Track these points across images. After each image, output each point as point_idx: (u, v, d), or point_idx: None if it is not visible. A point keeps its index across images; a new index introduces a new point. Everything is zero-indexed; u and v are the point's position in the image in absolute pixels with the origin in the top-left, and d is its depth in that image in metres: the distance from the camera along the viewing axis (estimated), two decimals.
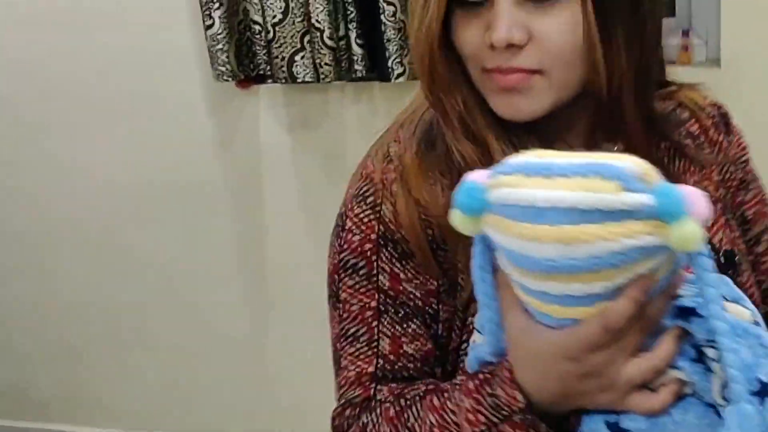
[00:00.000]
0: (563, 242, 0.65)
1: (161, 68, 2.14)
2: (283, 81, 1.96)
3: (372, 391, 0.88)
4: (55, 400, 2.57)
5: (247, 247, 2.27)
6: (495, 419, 0.76)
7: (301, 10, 1.89)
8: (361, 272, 0.89)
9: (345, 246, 0.89)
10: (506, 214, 0.68)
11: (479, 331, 0.81)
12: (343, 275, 0.91)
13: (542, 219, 0.66)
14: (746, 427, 0.67)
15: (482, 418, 0.77)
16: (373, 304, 0.88)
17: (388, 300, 0.87)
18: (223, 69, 1.96)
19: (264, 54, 1.97)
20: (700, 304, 0.70)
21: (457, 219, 0.71)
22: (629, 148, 0.81)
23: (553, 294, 0.70)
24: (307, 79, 1.93)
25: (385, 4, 1.82)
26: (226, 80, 1.98)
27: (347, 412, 0.90)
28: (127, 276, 2.37)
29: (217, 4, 1.91)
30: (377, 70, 1.92)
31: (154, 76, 2.16)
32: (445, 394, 0.81)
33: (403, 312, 0.87)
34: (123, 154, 2.25)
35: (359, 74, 1.91)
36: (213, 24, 1.92)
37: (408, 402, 0.84)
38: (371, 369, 0.89)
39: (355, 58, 1.89)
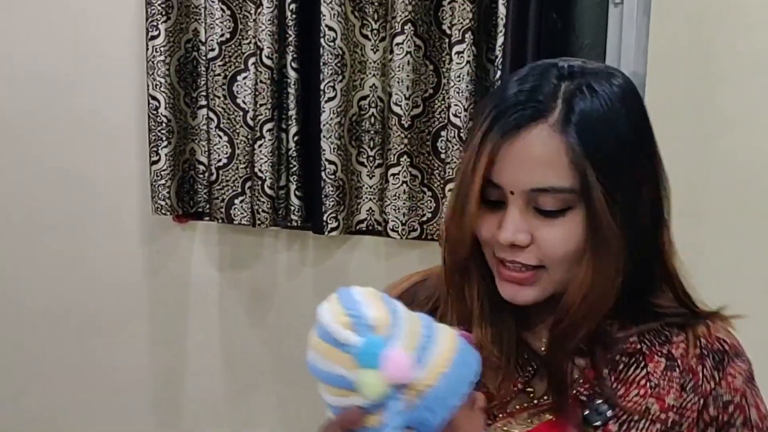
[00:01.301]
0: (315, 351, 0.85)
1: (101, 192, 2.18)
2: (221, 221, 2.01)
3: None
4: None
5: (163, 379, 2.25)
6: None
7: (246, 157, 1.96)
8: None
9: None
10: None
11: None
12: None
13: (316, 330, 0.85)
14: None
15: None
16: None
17: None
18: (163, 203, 2.00)
19: (205, 193, 2.03)
20: None
21: None
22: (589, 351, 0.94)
23: (322, 396, 0.88)
24: (243, 222, 1.99)
25: (326, 163, 1.90)
26: (164, 214, 2.02)
27: None
28: (42, 396, 2.31)
29: (165, 143, 1.97)
30: (312, 222, 1.98)
31: (92, 200, 2.19)
32: None
33: None
34: (51, 273, 2.25)
35: (294, 223, 1.98)
36: (159, 160, 1.98)
37: None
38: None
39: (293, 208, 1.96)
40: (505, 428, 0.97)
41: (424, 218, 1.95)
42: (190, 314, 2.21)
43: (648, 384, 0.95)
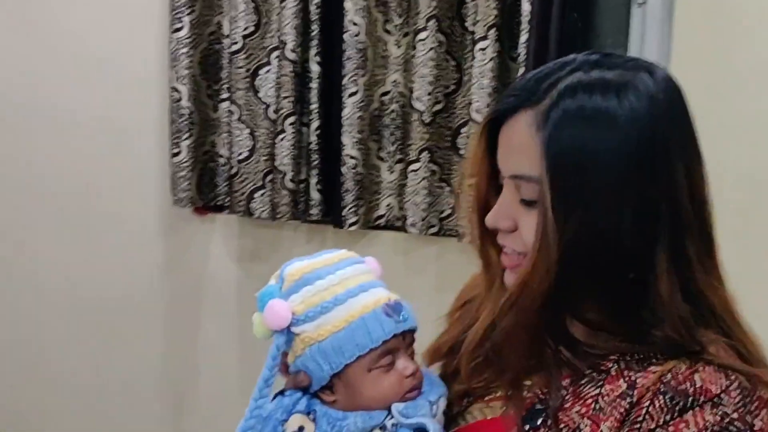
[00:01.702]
0: None
1: (122, 185, 2.19)
2: (241, 214, 2.02)
3: None
4: None
5: (178, 372, 2.26)
6: None
7: (267, 151, 1.97)
8: None
9: None
10: None
11: None
12: None
13: None
14: None
15: None
16: None
17: None
18: (183, 195, 2.01)
19: (225, 186, 2.04)
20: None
21: None
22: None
23: None
24: (263, 216, 2.00)
25: (347, 158, 1.91)
26: (184, 206, 2.03)
27: None
28: (53, 388, 2.33)
29: (186, 135, 1.98)
30: (332, 216, 1.99)
31: (113, 192, 2.20)
32: None
33: None
34: (70, 261, 2.26)
35: (314, 217, 1.99)
36: (180, 152, 1.99)
37: None
38: None
39: (312, 202, 1.97)
40: (480, 409, 0.97)
41: (444, 214, 1.96)
42: (208, 307, 2.22)
43: (594, 405, 0.88)
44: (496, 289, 0.97)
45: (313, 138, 1.94)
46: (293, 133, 1.93)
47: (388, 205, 1.99)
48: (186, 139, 1.99)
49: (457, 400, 0.98)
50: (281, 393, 0.97)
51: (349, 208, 1.93)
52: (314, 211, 1.98)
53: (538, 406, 0.91)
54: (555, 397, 0.90)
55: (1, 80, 2.20)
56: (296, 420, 0.95)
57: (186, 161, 1.99)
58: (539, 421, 0.90)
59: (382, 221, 2.00)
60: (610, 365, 0.90)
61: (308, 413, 0.95)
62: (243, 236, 2.16)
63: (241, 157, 1.99)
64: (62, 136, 2.20)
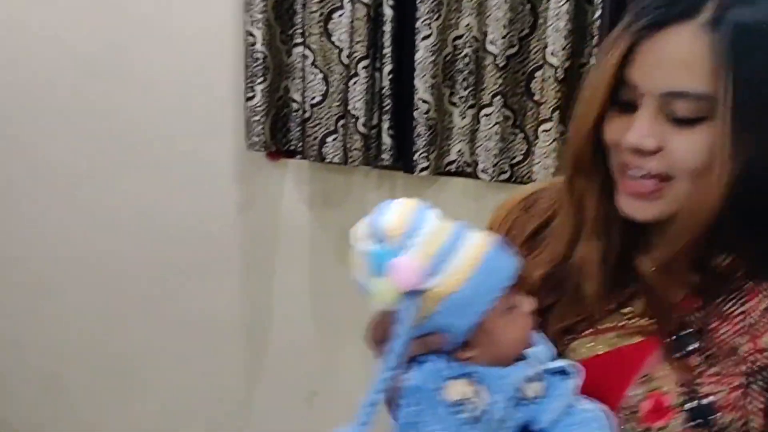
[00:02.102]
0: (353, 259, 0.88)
1: (198, 129, 2.23)
2: (313, 159, 2.04)
3: None
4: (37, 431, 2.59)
5: (252, 313, 2.31)
6: None
7: (340, 95, 1.98)
8: None
9: None
10: None
11: None
12: None
13: None
14: None
15: None
16: None
17: None
18: (257, 139, 2.04)
19: (298, 131, 2.06)
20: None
21: None
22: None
23: None
24: (335, 161, 2.01)
25: (420, 102, 1.90)
26: (258, 150, 2.06)
27: None
28: (131, 323, 2.40)
29: (260, 79, 2.00)
30: (403, 161, 2.00)
31: (190, 136, 2.24)
32: None
33: None
34: (148, 204, 2.32)
35: (385, 162, 1.99)
36: (254, 96, 2.01)
37: None
38: None
39: (384, 147, 1.98)
40: (588, 344, 0.96)
41: (515, 160, 1.94)
42: (281, 252, 2.25)
43: (742, 322, 0.91)
44: (589, 210, 0.93)
45: (386, 82, 1.94)
46: (366, 77, 1.93)
47: (459, 151, 1.98)
48: (260, 83, 2.01)
49: (558, 338, 0.96)
50: (414, 361, 0.88)
51: (420, 153, 1.93)
52: (385, 156, 1.98)
53: (683, 333, 0.91)
54: (699, 320, 0.90)
55: (83, 38, 2.25)
56: (457, 387, 0.87)
57: (260, 106, 2.01)
58: (689, 348, 0.90)
59: (452, 167, 2.00)
60: (743, 283, 0.91)
61: (461, 377, 0.87)
62: (314, 182, 2.18)
63: (314, 102, 2.01)
64: (142, 84, 2.25)
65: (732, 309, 0.91)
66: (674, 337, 0.92)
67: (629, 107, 0.87)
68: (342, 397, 2.26)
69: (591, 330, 0.96)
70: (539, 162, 1.86)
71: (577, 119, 0.92)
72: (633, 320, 0.95)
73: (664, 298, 0.93)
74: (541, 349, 0.92)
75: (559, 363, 0.91)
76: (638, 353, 0.93)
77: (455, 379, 0.86)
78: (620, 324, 0.95)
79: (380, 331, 0.89)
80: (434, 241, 0.85)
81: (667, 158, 0.86)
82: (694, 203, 0.87)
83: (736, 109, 0.82)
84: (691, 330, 0.91)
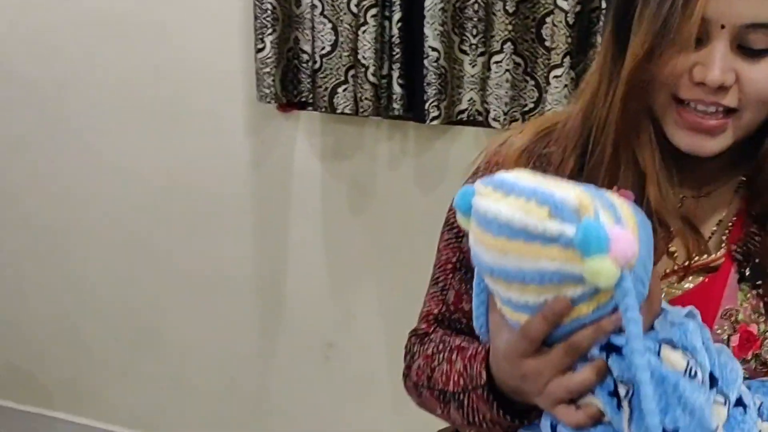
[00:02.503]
0: (498, 251, 0.76)
1: (208, 82, 2.23)
2: (323, 110, 2.04)
3: (432, 328, 1.05)
4: (60, 389, 2.63)
5: (267, 265, 2.33)
6: (468, 386, 0.92)
7: (350, 45, 1.97)
8: (453, 230, 1.04)
9: (452, 204, 1.00)
10: (474, 220, 0.79)
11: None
12: (444, 228, 1.07)
13: (488, 228, 0.76)
14: None
15: (462, 382, 0.93)
16: (453, 259, 1.04)
17: (463, 260, 1.03)
18: (268, 91, 2.04)
19: (308, 82, 2.06)
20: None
21: (458, 217, 0.83)
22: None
23: (502, 296, 0.80)
24: (346, 111, 2.01)
25: (429, 50, 1.89)
26: (269, 102, 2.06)
27: (412, 339, 1.07)
28: (146, 278, 2.43)
29: (270, 30, 1.99)
30: (414, 111, 1.99)
31: (200, 89, 2.24)
32: (461, 354, 0.95)
33: (470, 274, 0.97)
34: (160, 157, 2.33)
35: (396, 112, 1.99)
36: (264, 48, 2.01)
37: (443, 348, 0.99)
38: (436, 311, 1.06)
39: (395, 96, 1.97)
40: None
41: (527, 108, 1.93)
42: (293, 204, 2.26)
43: None
44: (645, 156, 0.91)
45: (395, 31, 1.92)
46: (375, 26, 1.92)
47: (470, 100, 1.97)
48: (270, 34, 2.00)
49: None
50: (609, 348, 0.79)
51: (431, 102, 1.93)
52: (396, 105, 1.97)
53: (751, 262, 0.92)
54: (764, 245, 0.91)
55: None
56: (672, 354, 0.79)
57: (270, 57, 2.01)
58: (761, 274, 0.92)
59: (464, 116, 1.99)
60: None
61: (661, 347, 0.80)
62: (326, 133, 2.18)
63: (323, 52, 2.00)
64: (151, 38, 2.25)
65: None
66: (742, 269, 0.93)
67: (696, 42, 0.85)
68: (358, 348, 2.29)
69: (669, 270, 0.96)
70: (551, 108, 1.85)
71: (649, 62, 0.86)
72: (683, 260, 0.95)
73: (700, 228, 0.93)
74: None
75: (683, 309, 0.86)
76: (712, 290, 0.93)
77: (667, 347, 0.80)
78: (676, 267, 0.95)
79: (550, 324, 0.78)
80: (603, 204, 0.77)
81: (740, 91, 0.86)
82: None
83: None
84: (757, 258, 0.92)
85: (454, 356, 0.97)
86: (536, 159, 1.01)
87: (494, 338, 0.85)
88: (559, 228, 0.73)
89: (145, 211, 2.39)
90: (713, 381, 0.82)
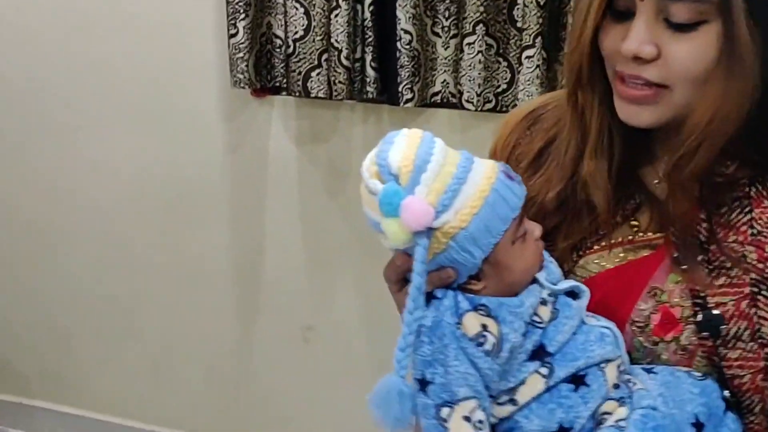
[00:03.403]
0: (362, 197, 0.88)
1: (182, 69, 2.23)
2: (297, 94, 2.04)
3: None
4: (38, 378, 2.62)
5: (244, 252, 2.33)
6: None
7: (322, 29, 1.97)
8: None
9: None
10: None
11: None
12: None
13: None
14: (383, 394, 0.87)
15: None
16: None
17: None
18: (241, 77, 2.04)
19: (282, 67, 2.06)
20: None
21: None
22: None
23: None
24: (320, 95, 2.02)
25: (402, 33, 1.90)
26: (243, 87, 2.06)
27: None
28: (125, 266, 2.43)
29: (242, 15, 1.99)
30: (387, 94, 2.00)
31: (174, 76, 2.24)
32: None
33: None
34: (135, 146, 2.33)
35: (370, 95, 2.00)
36: (237, 33, 2.00)
37: None
38: None
39: (368, 80, 1.98)
40: (596, 260, 0.96)
41: (500, 89, 1.95)
42: (269, 189, 2.26)
43: (749, 231, 0.91)
44: (591, 122, 0.93)
45: (368, 14, 1.93)
46: (347, 9, 1.92)
47: (443, 82, 1.98)
48: (242, 20, 1.99)
49: (567, 256, 0.97)
50: (431, 296, 0.89)
51: (405, 85, 1.94)
52: (370, 89, 1.98)
53: (690, 244, 0.92)
54: (709, 231, 0.91)
55: None
56: (472, 320, 0.87)
57: (243, 42, 2.01)
58: (697, 259, 0.91)
59: (437, 98, 2.00)
60: (747, 189, 0.92)
61: (475, 309, 0.88)
62: (301, 118, 2.18)
63: (296, 37, 2.00)
64: (125, 26, 2.24)
65: (738, 218, 0.92)
66: (682, 250, 0.92)
67: (625, 15, 0.87)
68: (337, 330, 2.30)
69: (598, 246, 0.97)
70: (523, 89, 1.87)
71: (574, 31, 0.91)
72: (640, 234, 0.96)
73: (669, 209, 0.93)
74: (550, 271, 0.92)
75: (568, 284, 0.91)
76: (646, 267, 0.94)
77: (471, 312, 0.87)
78: (628, 238, 0.96)
79: (395, 270, 0.90)
80: (442, 176, 0.83)
81: (666, 66, 0.86)
82: (711, 106, 0.86)
83: (749, 7, 0.81)
84: (698, 241, 0.91)
85: None
86: (533, 122, 1.05)
87: None
88: (375, 186, 0.84)
89: (122, 200, 2.38)
90: (541, 353, 0.88)
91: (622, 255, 0.96)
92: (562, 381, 0.88)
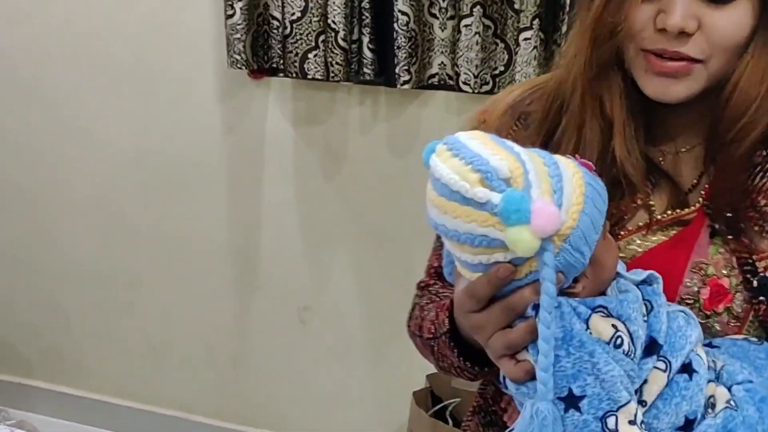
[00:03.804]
0: (439, 209, 0.80)
1: (179, 50, 2.22)
2: (294, 76, 2.04)
3: (432, 280, 1.08)
4: (38, 358, 2.63)
5: (241, 231, 2.34)
6: (437, 333, 0.96)
7: (319, 10, 1.97)
8: None
9: None
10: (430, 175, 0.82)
11: None
12: None
13: (434, 185, 0.80)
14: (534, 424, 0.78)
15: (433, 329, 0.98)
16: None
17: None
18: (238, 57, 2.04)
19: (279, 48, 2.06)
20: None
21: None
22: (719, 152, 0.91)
23: (450, 251, 0.85)
24: (317, 77, 2.02)
25: (399, 14, 1.90)
26: (240, 68, 2.06)
27: (416, 290, 1.11)
28: (123, 246, 2.44)
29: None
30: (384, 76, 2.00)
31: (171, 57, 2.23)
32: (438, 303, 1.00)
33: None
34: (133, 126, 2.33)
35: (367, 77, 2.00)
36: (234, 14, 2.00)
37: (434, 298, 1.04)
38: (436, 264, 1.08)
39: (365, 61, 1.98)
40: (629, 246, 0.96)
41: (497, 71, 1.95)
42: (266, 170, 2.27)
43: None
44: (612, 108, 0.93)
45: None
46: None
47: (440, 63, 1.98)
48: (239, 0, 1.99)
49: None
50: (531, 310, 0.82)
51: (402, 66, 1.94)
52: (367, 70, 1.98)
53: (725, 215, 0.92)
54: (738, 199, 0.92)
55: None
56: (601, 322, 0.82)
57: (240, 23, 2.00)
58: (736, 228, 0.92)
59: (434, 80, 2.00)
60: (765, 153, 0.93)
61: (594, 314, 0.82)
62: (297, 99, 2.18)
63: (293, 18, 2.00)
64: (122, 4, 2.23)
65: (762, 182, 0.93)
66: (722, 220, 0.93)
67: None
68: (334, 310, 2.31)
69: (624, 232, 0.96)
70: (520, 71, 1.87)
71: (607, 13, 0.90)
72: (666, 214, 0.96)
73: (716, 186, 0.94)
74: (621, 266, 0.90)
75: (644, 273, 0.89)
76: (683, 243, 0.94)
77: (596, 315, 0.82)
78: (650, 219, 0.96)
79: (495, 285, 0.82)
80: (543, 175, 0.79)
81: (705, 39, 0.87)
82: (757, 82, 0.88)
83: None
84: (729, 213, 0.93)
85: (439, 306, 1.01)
86: (519, 115, 1.03)
87: (455, 289, 0.88)
88: (488, 195, 0.76)
89: (120, 180, 2.39)
90: (655, 347, 0.85)
91: (654, 238, 0.96)
92: (677, 372, 0.86)
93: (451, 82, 1.98)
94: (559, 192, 0.79)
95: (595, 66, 0.93)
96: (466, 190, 0.77)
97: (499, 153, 0.78)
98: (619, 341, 0.82)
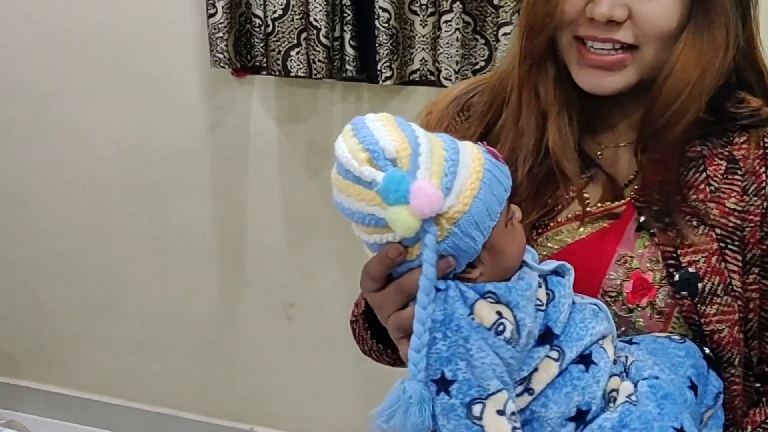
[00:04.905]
0: (338, 188, 0.83)
1: (162, 49, 2.23)
2: (277, 74, 2.06)
3: None
4: (22, 357, 2.63)
5: (226, 228, 2.35)
6: (357, 316, 1.01)
7: (301, 8, 1.99)
8: None
9: None
10: None
11: None
12: None
13: (336, 165, 0.83)
14: (400, 402, 0.81)
15: (355, 312, 1.02)
16: None
17: None
18: (221, 56, 2.05)
19: (261, 46, 2.07)
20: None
21: None
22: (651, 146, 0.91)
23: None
24: (300, 74, 2.03)
25: (380, 11, 1.91)
26: (223, 67, 2.07)
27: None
28: (109, 244, 2.44)
29: None
30: (367, 72, 2.02)
31: (154, 57, 2.24)
32: None
33: None
34: (117, 125, 2.34)
35: (349, 74, 2.01)
36: (216, 13, 2.01)
37: None
38: None
39: (347, 58, 1.99)
40: (557, 237, 0.96)
41: (477, 67, 1.97)
42: (250, 168, 2.28)
43: (708, 188, 0.92)
44: (547, 96, 0.93)
45: None
46: None
47: (422, 60, 2.00)
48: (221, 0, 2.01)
49: (528, 235, 0.95)
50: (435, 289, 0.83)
51: (384, 63, 1.95)
52: (349, 67, 2.00)
53: (653, 209, 0.92)
54: (668, 193, 0.92)
55: None
56: (486, 308, 0.82)
57: (222, 22, 2.02)
58: (663, 222, 0.91)
59: (416, 76, 2.02)
60: (699, 149, 0.93)
61: (482, 299, 0.82)
62: (281, 97, 2.20)
63: (275, 16, 2.01)
64: (104, 4, 2.24)
65: (695, 177, 0.93)
66: (648, 214, 0.93)
67: None
68: (319, 307, 2.33)
69: (554, 223, 0.97)
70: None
71: (539, 3, 0.91)
72: (596, 206, 0.96)
73: (645, 178, 0.94)
74: (531, 253, 0.90)
75: (553, 263, 0.89)
76: (610, 236, 0.94)
77: (482, 300, 0.82)
78: (583, 211, 0.96)
79: (386, 265, 0.83)
80: (437, 158, 0.79)
81: (634, 26, 0.87)
82: (688, 70, 0.88)
83: None
84: (658, 206, 0.92)
85: None
86: (462, 107, 1.04)
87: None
88: (373, 174, 0.77)
89: (105, 179, 2.39)
90: (549, 336, 0.85)
91: (582, 230, 0.96)
92: (572, 363, 0.86)
93: (433, 78, 2.00)
94: (451, 176, 0.79)
95: (530, 57, 0.93)
96: (354, 168, 0.78)
97: (393, 134, 0.79)
98: (501, 328, 0.82)
